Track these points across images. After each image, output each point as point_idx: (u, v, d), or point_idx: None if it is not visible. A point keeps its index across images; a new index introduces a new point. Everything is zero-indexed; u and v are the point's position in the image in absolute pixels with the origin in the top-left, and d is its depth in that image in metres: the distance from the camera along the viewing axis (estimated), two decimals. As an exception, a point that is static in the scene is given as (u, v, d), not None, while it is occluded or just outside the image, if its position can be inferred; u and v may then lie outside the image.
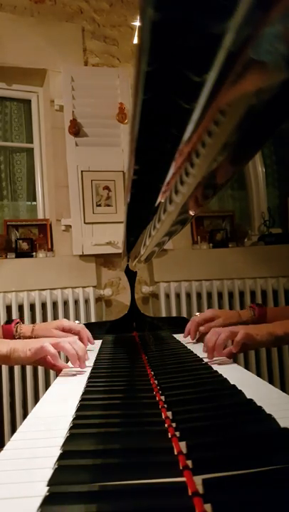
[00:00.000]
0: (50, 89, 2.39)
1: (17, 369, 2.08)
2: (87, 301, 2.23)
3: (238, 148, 0.31)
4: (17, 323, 1.17)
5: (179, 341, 1.27)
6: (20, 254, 2.29)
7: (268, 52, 0.19)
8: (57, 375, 0.93)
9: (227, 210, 2.67)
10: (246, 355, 2.29)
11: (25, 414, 2.04)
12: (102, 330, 1.56)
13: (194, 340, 1.23)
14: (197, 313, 1.34)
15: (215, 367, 0.86)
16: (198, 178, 0.36)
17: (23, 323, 1.19)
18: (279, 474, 0.37)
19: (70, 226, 2.28)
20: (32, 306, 2.15)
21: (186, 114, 0.26)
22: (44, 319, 2.16)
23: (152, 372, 0.83)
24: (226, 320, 1.18)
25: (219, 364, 0.90)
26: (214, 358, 0.93)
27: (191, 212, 0.50)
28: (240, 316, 1.20)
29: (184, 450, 0.44)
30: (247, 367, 2.22)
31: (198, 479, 0.37)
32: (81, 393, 0.71)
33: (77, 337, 0.98)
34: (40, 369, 2.12)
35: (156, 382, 0.75)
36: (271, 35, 0.18)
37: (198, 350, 1.07)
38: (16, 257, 2.27)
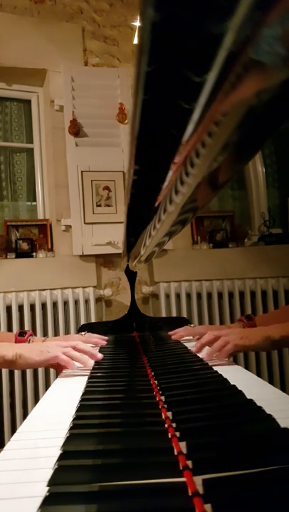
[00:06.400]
0: (50, 89, 2.39)
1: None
2: (87, 302, 2.23)
3: (238, 149, 0.31)
4: (30, 335, 1.20)
5: (179, 341, 1.28)
6: (21, 254, 2.29)
7: (268, 53, 0.19)
8: (57, 375, 0.93)
9: (227, 210, 2.67)
10: (246, 355, 2.29)
11: (25, 414, 2.04)
12: (102, 330, 1.56)
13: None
14: (192, 325, 1.39)
15: (215, 367, 0.86)
16: (198, 178, 0.36)
17: (23, 325, 1.22)
18: (279, 474, 0.37)
19: (70, 226, 2.28)
20: (32, 307, 2.15)
21: (186, 114, 0.26)
22: (44, 319, 2.16)
23: (152, 373, 0.83)
24: None
25: (219, 364, 0.90)
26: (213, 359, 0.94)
27: (192, 213, 0.50)
28: None
29: (184, 450, 0.44)
30: (247, 367, 2.22)
31: (198, 479, 0.37)
32: (81, 393, 0.71)
33: (79, 342, 0.98)
34: (40, 369, 2.12)
35: (156, 382, 0.75)
36: (271, 36, 0.18)
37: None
38: (16, 257, 2.27)
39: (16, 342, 1.17)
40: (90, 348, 0.96)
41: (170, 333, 1.35)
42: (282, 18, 0.17)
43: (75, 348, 0.94)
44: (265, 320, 1.24)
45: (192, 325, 1.41)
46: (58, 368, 0.96)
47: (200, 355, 0.98)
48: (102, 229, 2.28)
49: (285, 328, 0.94)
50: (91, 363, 0.93)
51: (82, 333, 1.38)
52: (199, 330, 1.30)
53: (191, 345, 1.18)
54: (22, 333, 1.20)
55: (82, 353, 0.94)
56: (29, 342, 1.18)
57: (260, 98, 0.23)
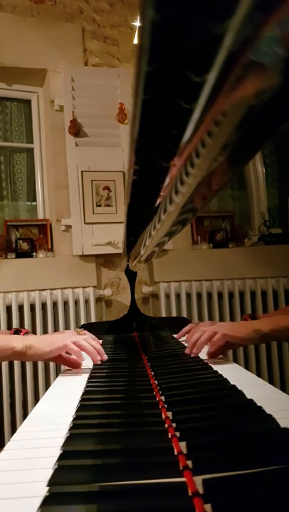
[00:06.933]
0: (50, 89, 2.39)
1: (17, 369, 2.08)
2: (87, 302, 2.23)
3: (238, 149, 0.31)
4: (25, 333, 1.20)
5: (179, 341, 1.28)
6: (21, 254, 2.29)
7: (268, 54, 0.19)
8: (57, 375, 0.93)
9: (227, 210, 2.67)
10: (246, 355, 2.29)
11: (25, 415, 2.04)
12: (102, 330, 1.56)
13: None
14: (196, 322, 1.38)
15: (215, 367, 0.86)
16: (199, 178, 0.36)
17: (23, 325, 1.22)
18: (279, 474, 0.37)
19: (70, 226, 2.28)
20: (32, 307, 2.15)
21: (186, 115, 0.26)
22: (44, 319, 2.16)
23: (152, 373, 0.83)
24: None
25: (219, 364, 0.90)
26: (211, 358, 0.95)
27: (191, 213, 0.50)
28: None
29: (184, 450, 0.44)
30: (247, 367, 2.22)
31: (198, 479, 0.37)
32: (81, 393, 0.71)
33: (90, 336, 0.99)
34: (40, 369, 2.12)
35: (156, 382, 0.75)
36: (271, 38, 0.18)
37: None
38: (16, 257, 2.27)
39: None
40: (99, 345, 0.96)
41: (176, 336, 1.33)
42: (281, 20, 0.17)
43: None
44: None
45: (196, 322, 1.39)
46: (62, 361, 0.95)
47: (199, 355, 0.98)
48: (102, 229, 2.28)
49: (275, 321, 0.95)
50: (98, 358, 0.93)
51: (78, 329, 1.37)
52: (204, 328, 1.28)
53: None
54: (17, 332, 1.20)
55: (88, 349, 0.94)
56: None
57: (260, 98, 0.23)
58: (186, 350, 0.97)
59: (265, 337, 0.93)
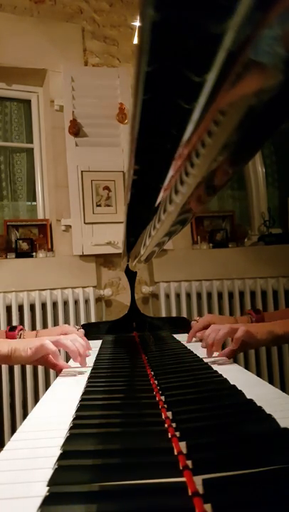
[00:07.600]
0: (50, 89, 2.39)
1: (17, 369, 2.08)
2: (87, 302, 2.23)
3: (238, 148, 0.31)
4: (20, 330, 1.19)
5: (179, 341, 1.27)
6: (21, 254, 2.29)
7: (268, 53, 0.19)
8: (57, 375, 0.93)
9: (227, 210, 2.67)
10: (246, 355, 2.29)
11: (25, 415, 2.03)
12: (102, 330, 1.56)
13: (195, 340, 1.26)
14: (197, 318, 1.35)
15: (215, 367, 0.86)
16: (198, 178, 0.36)
17: (23, 325, 1.22)
18: (279, 474, 0.37)
19: (70, 226, 2.28)
20: (32, 307, 2.15)
21: (186, 114, 0.26)
22: (44, 319, 2.16)
23: (152, 373, 0.83)
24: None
25: (219, 364, 0.90)
26: (214, 357, 0.94)
27: (191, 213, 0.50)
28: (238, 323, 1.22)
29: (184, 450, 0.44)
30: (247, 367, 2.22)
31: (198, 479, 0.37)
32: (81, 393, 0.71)
33: (77, 335, 0.98)
34: (40, 369, 2.12)
35: (156, 382, 0.75)
36: (270, 37, 0.18)
37: (198, 350, 1.07)
38: (16, 257, 2.27)
39: (6, 337, 1.17)
40: (85, 348, 0.94)
41: (188, 339, 1.29)
42: (281, 19, 0.17)
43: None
44: (272, 317, 1.24)
45: (196, 318, 1.36)
46: (48, 364, 0.94)
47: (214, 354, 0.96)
48: (102, 229, 2.28)
49: (287, 324, 0.95)
50: (78, 359, 0.91)
51: (77, 326, 1.36)
52: (205, 322, 1.26)
53: (191, 345, 1.18)
54: (12, 328, 1.19)
55: (70, 348, 0.92)
56: (20, 337, 1.18)
57: (260, 98, 0.23)
58: (207, 353, 0.96)
59: (278, 339, 0.94)
